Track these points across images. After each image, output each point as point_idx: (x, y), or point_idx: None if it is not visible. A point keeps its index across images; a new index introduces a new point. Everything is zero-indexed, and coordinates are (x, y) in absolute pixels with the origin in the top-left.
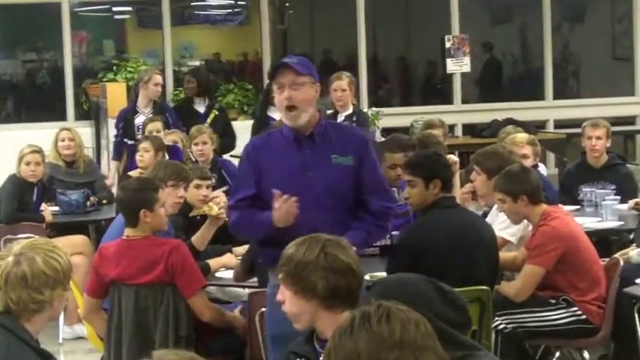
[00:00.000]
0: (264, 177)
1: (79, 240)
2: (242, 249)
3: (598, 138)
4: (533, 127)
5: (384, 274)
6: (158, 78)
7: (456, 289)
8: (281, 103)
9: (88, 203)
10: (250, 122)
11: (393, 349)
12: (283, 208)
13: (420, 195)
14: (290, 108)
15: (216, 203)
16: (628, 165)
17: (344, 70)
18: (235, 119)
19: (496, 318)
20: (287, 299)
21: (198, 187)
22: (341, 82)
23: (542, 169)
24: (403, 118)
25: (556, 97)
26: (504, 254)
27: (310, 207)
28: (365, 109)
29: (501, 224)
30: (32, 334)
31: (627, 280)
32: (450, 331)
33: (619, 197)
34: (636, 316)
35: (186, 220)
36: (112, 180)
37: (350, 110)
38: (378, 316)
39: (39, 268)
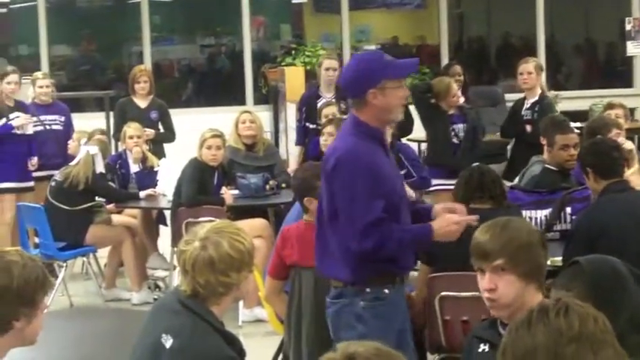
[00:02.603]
0: (381, 182)
1: (258, 223)
2: None
3: None
4: None
5: (560, 259)
6: (327, 62)
7: None
8: (402, 99)
9: (267, 187)
10: None
11: (570, 342)
12: (455, 225)
13: (588, 184)
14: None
15: None
16: None
17: (522, 53)
18: (411, 103)
19: None
20: (505, 285)
21: None
22: (527, 65)
23: None
24: (582, 101)
25: None
26: None
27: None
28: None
29: None
30: (217, 317)
31: None
32: None
33: None
34: None
35: None
36: (295, 165)
37: (536, 97)
38: (557, 310)
39: (225, 251)
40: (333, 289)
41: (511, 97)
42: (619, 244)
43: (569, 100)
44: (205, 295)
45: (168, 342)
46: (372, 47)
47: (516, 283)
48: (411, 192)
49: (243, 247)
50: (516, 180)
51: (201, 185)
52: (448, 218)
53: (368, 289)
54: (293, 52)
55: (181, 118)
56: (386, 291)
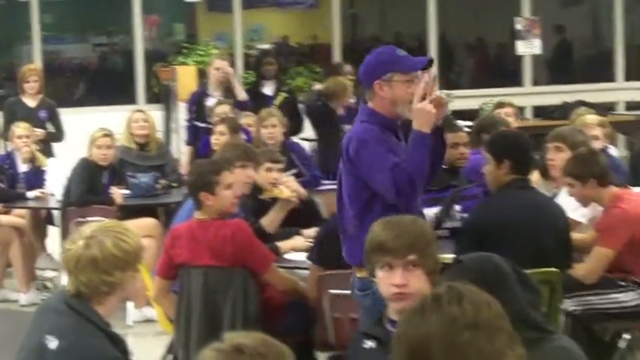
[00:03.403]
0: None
1: (148, 223)
2: (311, 231)
3: None
4: (604, 110)
5: (451, 256)
6: (217, 62)
7: (527, 271)
8: (409, 94)
9: (158, 186)
10: None
11: (465, 329)
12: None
13: (491, 174)
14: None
15: (287, 186)
16: None
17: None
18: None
19: (565, 300)
20: (416, 280)
21: (269, 170)
22: None
23: (613, 151)
24: (473, 100)
25: (627, 79)
26: (574, 235)
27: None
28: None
29: (572, 205)
30: (102, 317)
31: None
32: (527, 312)
33: None
34: None
35: (257, 202)
36: (185, 165)
37: None
38: (450, 297)
39: (109, 250)
40: (357, 280)
41: None
42: (509, 243)
43: (461, 99)
44: (89, 295)
45: (52, 343)
46: (265, 46)
47: (423, 277)
48: (302, 190)
49: (129, 247)
50: None
51: (90, 185)
52: (419, 109)
53: None
54: (185, 51)
55: (73, 117)
56: None
